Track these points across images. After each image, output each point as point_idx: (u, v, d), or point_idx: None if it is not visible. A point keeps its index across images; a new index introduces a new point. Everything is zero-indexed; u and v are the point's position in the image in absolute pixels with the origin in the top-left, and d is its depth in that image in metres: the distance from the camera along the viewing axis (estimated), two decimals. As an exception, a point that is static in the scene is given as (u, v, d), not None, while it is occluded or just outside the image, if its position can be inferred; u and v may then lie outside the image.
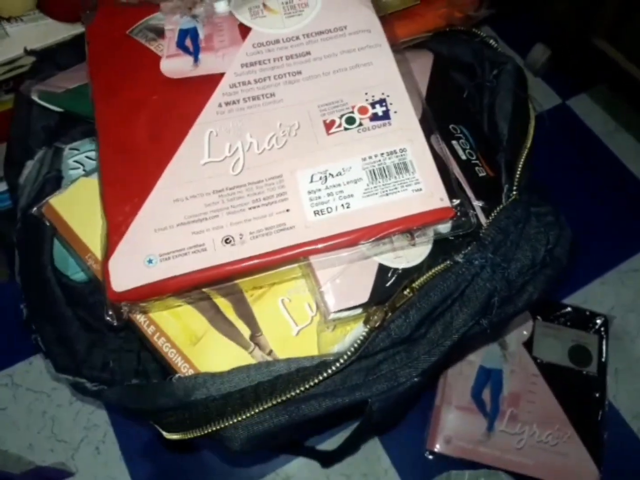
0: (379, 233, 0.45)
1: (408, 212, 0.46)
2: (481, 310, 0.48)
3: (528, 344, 0.87)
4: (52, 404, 0.87)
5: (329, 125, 0.48)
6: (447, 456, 0.81)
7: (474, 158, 0.54)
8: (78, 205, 0.53)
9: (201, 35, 0.53)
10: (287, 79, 0.50)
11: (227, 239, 0.45)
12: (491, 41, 0.62)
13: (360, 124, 0.48)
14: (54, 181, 0.57)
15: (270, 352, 0.49)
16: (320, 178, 0.47)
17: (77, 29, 0.70)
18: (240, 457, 0.82)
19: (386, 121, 0.49)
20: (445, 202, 0.46)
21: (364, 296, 0.47)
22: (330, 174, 0.47)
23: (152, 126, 0.49)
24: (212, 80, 0.50)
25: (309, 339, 0.49)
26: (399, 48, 0.53)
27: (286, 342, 0.49)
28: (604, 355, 0.87)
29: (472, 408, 0.83)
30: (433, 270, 0.47)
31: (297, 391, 0.45)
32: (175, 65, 0.51)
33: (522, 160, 0.54)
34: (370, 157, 0.47)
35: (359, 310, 0.47)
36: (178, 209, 0.46)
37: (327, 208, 0.46)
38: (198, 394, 0.46)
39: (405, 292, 0.46)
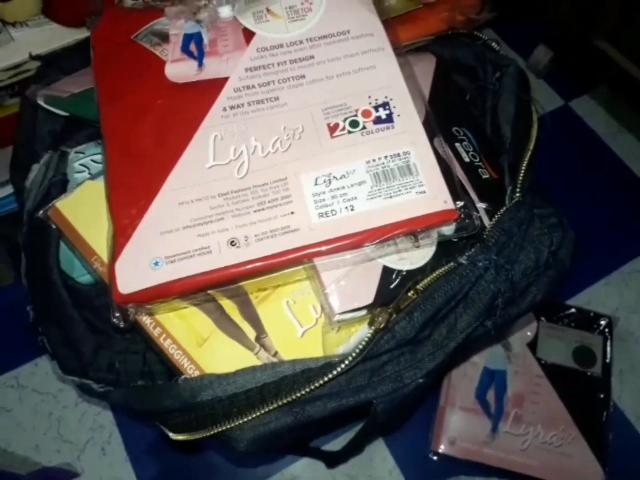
0: (383, 235, 0.45)
1: (412, 214, 0.46)
2: (485, 312, 0.48)
3: (532, 345, 0.87)
4: (58, 405, 0.88)
5: (332, 129, 0.49)
6: (451, 457, 0.81)
7: (477, 160, 0.54)
8: (84, 208, 0.53)
9: (205, 40, 0.53)
10: (291, 83, 0.50)
11: (233, 241, 0.45)
12: (493, 44, 0.62)
13: (364, 127, 0.49)
14: (60, 184, 0.57)
15: (275, 354, 0.49)
16: (325, 181, 0.47)
17: (82, 33, 0.71)
18: (246, 458, 0.83)
19: (389, 124, 0.49)
20: (449, 205, 0.46)
21: (368, 298, 0.47)
22: (334, 177, 0.47)
23: (158, 130, 0.49)
24: (216, 85, 0.50)
25: (313, 341, 0.49)
26: (401, 51, 0.53)
27: (291, 344, 0.49)
28: (608, 356, 0.87)
29: (476, 409, 0.83)
30: (437, 272, 0.47)
31: (302, 392, 0.45)
32: (179, 69, 0.51)
33: (525, 162, 0.54)
34: (374, 160, 0.47)
35: (364, 312, 0.47)
36: (183, 211, 0.46)
37: (331, 210, 0.46)
38: (204, 395, 0.46)
39: (409, 294, 0.46)
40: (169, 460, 0.84)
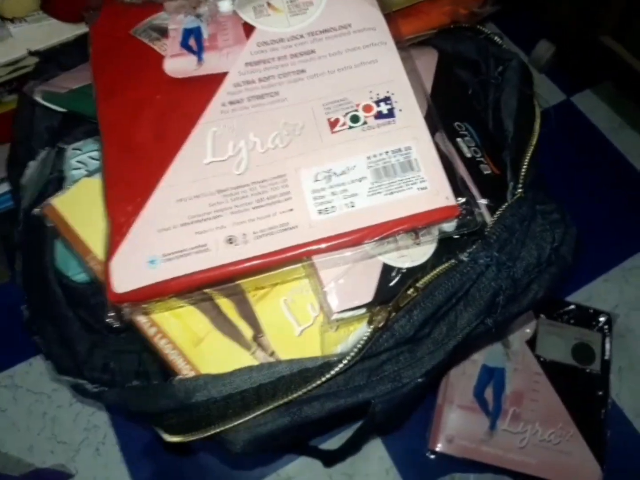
0: (384, 232, 0.45)
1: (413, 210, 0.45)
2: (486, 310, 0.48)
3: (531, 342, 0.86)
4: (53, 405, 0.87)
5: (333, 124, 0.48)
6: (449, 456, 0.81)
7: (479, 156, 0.54)
8: (80, 206, 0.52)
9: (205, 35, 0.52)
10: (292, 78, 0.50)
11: (230, 239, 0.44)
12: (496, 38, 0.62)
13: (365, 122, 0.48)
14: (57, 182, 0.57)
15: (272, 353, 0.49)
16: (325, 177, 0.46)
17: (81, 29, 0.70)
18: (241, 459, 0.82)
19: (391, 119, 0.48)
20: (451, 201, 0.46)
21: (367, 296, 0.46)
22: (334, 173, 0.46)
23: (156, 126, 0.48)
24: (215, 80, 0.50)
25: (311, 340, 0.49)
26: (404, 45, 0.52)
27: (289, 343, 0.49)
28: (607, 353, 0.87)
29: (474, 407, 0.82)
30: (437, 270, 0.47)
31: (300, 392, 0.44)
32: (179, 64, 0.51)
33: (528, 157, 0.54)
34: (374, 156, 0.47)
35: (363, 310, 0.47)
36: (181, 208, 0.45)
37: (331, 207, 0.45)
38: (199, 395, 0.45)
39: (409, 292, 0.46)
40: (164, 461, 0.84)
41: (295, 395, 0.44)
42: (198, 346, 0.48)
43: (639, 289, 0.96)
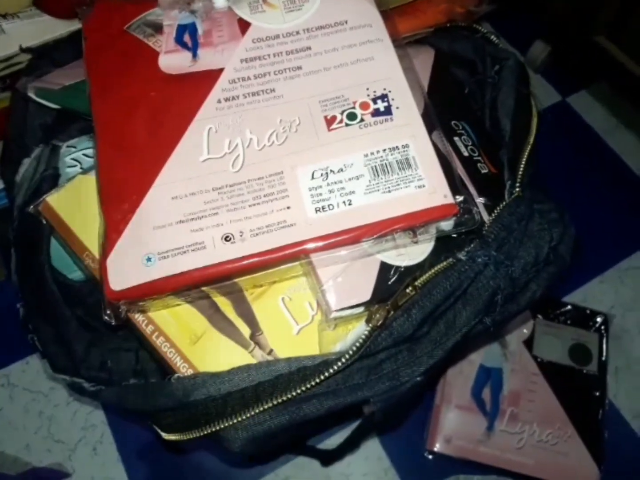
0: (381, 230, 0.45)
1: (411, 208, 0.45)
2: (484, 309, 0.48)
3: (528, 343, 0.86)
4: (49, 404, 0.87)
5: (330, 121, 0.48)
6: (447, 456, 0.81)
7: (476, 155, 0.53)
8: (75, 203, 0.52)
9: (200, 31, 0.52)
10: (287, 75, 0.50)
11: (227, 236, 0.44)
12: (492, 37, 0.62)
13: (362, 120, 0.48)
14: (51, 179, 0.57)
15: (270, 352, 0.49)
16: (322, 174, 0.46)
17: (74, 25, 0.70)
18: (239, 458, 0.82)
19: (388, 117, 0.48)
20: (449, 199, 0.45)
21: (366, 294, 0.46)
22: (331, 171, 0.46)
23: (150, 123, 0.48)
24: (211, 76, 0.50)
25: (309, 338, 0.49)
26: (400, 43, 0.52)
27: (287, 341, 0.49)
28: (604, 353, 0.87)
29: (472, 407, 0.82)
30: (436, 268, 0.47)
31: (298, 391, 0.44)
32: (173, 61, 0.51)
33: (525, 156, 0.54)
34: (372, 153, 0.47)
35: (361, 309, 0.46)
36: (177, 206, 0.45)
37: (328, 205, 0.45)
38: (197, 394, 0.45)
39: (407, 290, 0.45)
40: (162, 461, 0.83)
41: (294, 393, 0.44)
42: (195, 344, 0.48)
43: (635, 290, 0.96)
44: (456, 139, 0.54)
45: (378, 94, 0.49)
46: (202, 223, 0.45)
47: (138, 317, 0.49)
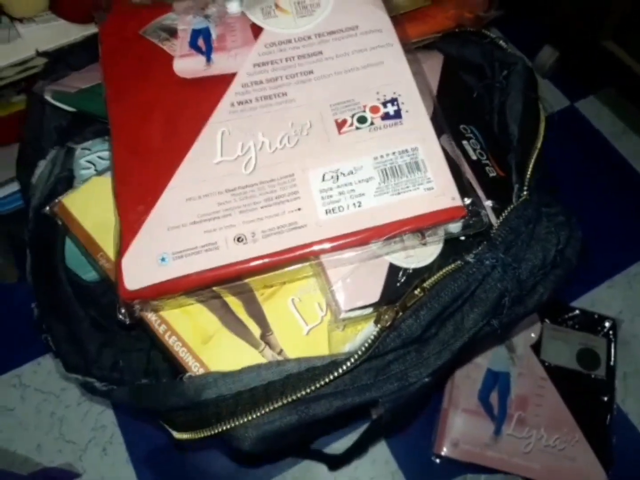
0: (390, 232, 0.45)
1: (419, 211, 0.45)
2: (492, 311, 0.48)
3: (536, 347, 0.86)
4: (61, 404, 0.88)
5: (340, 125, 0.48)
6: (454, 460, 0.81)
7: (485, 158, 0.54)
8: (90, 204, 0.53)
9: (214, 35, 0.53)
10: (299, 79, 0.50)
11: (239, 237, 0.45)
12: (501, 42, 0.62)
13: (372, 123, 0.48)
14: (66, 181, 0.57)
15: (280, 352, 0.49)
16: (332, 177, 0.47)
17: (89, 30, 0.71)
18: (247, 459, 0.82)
19: (398, 120, 0.49)
20: (457, 202, 0.46)
21: (374, 296, 0.47)
22: (341, 173, 0.47)
23: (165, 126, 0.49)
24: (224, 80, 0.50)
25: (319, 339, 0.49)
26: (410, 48, 0.53)
27: (296, 342, 0.49)
28: (612, 358, 0.87)
29: (479, 411, 0.82)
30: (444, 270, 0.47)
31: (308, 390, 0.45)
32: (188, 65, 0.51)
33: (533, 160, 0.54)
34: (381, 156, 0.47)
35: (370, 310, 0.47)
36: (191, 207, 0.46)
37: (338, 207, 0.46)
38: (209, 393, 0.45)
39: (415, 292, 0.46)
40: (170, 461, 0.84)
41: (303, 393, 0.44)
42: (207, 344, 0.49)
43: (644, 295, 0.97)
44: (465, 142, 0.54)
45: (388, 97, 0.49)
46: (215, 224, 0.45)
47: (151, 317, 0.49)
